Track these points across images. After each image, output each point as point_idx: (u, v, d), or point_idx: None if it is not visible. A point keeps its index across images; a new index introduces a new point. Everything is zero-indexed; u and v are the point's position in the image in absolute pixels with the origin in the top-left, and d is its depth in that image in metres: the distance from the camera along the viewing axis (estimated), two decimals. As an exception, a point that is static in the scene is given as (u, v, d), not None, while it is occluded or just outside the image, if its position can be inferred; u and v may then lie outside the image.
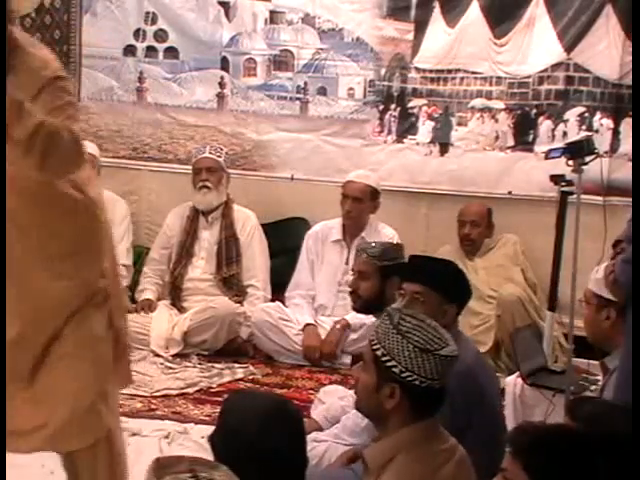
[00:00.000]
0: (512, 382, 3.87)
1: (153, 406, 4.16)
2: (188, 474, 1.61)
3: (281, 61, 5.68)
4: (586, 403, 2.19)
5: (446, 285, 2.95)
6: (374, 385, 2.17)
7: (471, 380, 2.78)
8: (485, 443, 2.64)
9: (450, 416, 2.61)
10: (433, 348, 2.12)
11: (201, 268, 5.19)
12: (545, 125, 5.36)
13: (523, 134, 5.41)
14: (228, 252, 5.18)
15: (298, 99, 5.66)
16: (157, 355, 4.79)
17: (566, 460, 1.83)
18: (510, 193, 5.42)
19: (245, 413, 1.99)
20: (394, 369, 2.12)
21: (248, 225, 5.27)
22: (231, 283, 5.15)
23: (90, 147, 5.39)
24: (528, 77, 5.34)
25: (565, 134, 5.30)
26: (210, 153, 5.21)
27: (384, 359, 2.14)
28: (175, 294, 5.17)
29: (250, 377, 4.62)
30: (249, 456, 1.92)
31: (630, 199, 4.42)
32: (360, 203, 5.03)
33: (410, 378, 2.11)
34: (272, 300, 5.15)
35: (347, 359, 4.82)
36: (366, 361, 2.21)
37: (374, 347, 2.17)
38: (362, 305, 3.65)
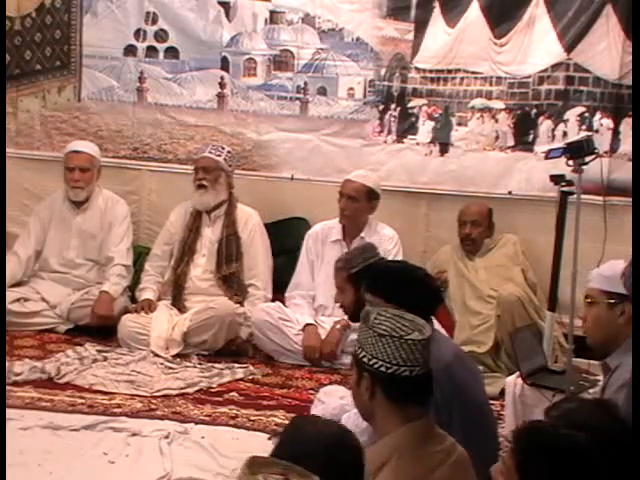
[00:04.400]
0: (512, 382, 3.87)
1: (153, 406, 4.15)
2: (281, 477, 1.61)
3: (281, 61, 5.68)
4: (565, 402, 2.16)
5: (383, 287, 2.94)
6: (356, 380, 2.24)
7: (449, 377, 2.78)
8: (472, 439, 2.64)
9: (433, 413, 2.62)
10: (398, 334, 2.16)
11: (202, 266, 5.19)
12: (545, 125, 5.37)
13: (523, 134, 5.41)
14: (228, 250, 5.18)
15: (298, 99, 5.66)
16: (157, 355, 4.78)
17: (560, 471, 1.81)
18: (510, 193, 5.43)
19: (314, 437, 1.93)
20: (364, 359, 2.19)
21: (250, 223, 5.27)
22: (231, 281, 5.15)
23: (90, 147, 5.43)
24: (528, 77, 5.35)
25: (565, 134, 5.30)
26: (210, 152, 5.21)
27: (357, 351, 2.22)
28: (177, 292, 5.17)
29: (250, 377, 4.62)
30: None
31: (630, 199, 4.47)
32: (354, 202, 5.02)
33: (376, 365, 2.16)
34: (272, 300, 5.14)
35: (347, 359, 4.80)
36: (352, 360, 2.30)
37: (355, 346, 2.26)
38: (351, 316, 3.67)
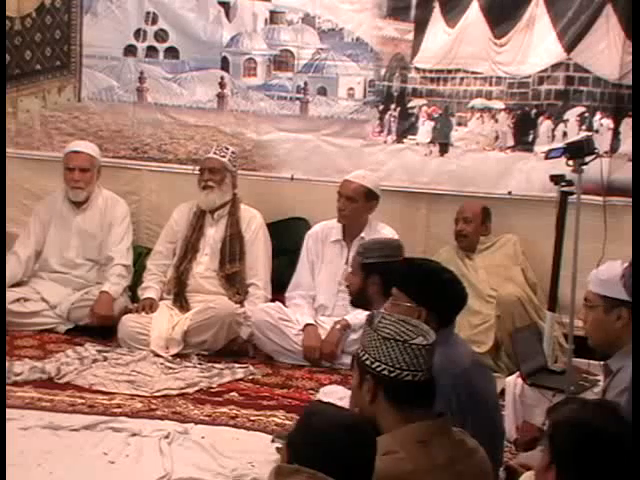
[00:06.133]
0: (512, 382, 3.87)
1: (153, 406, 4.15)
2: None
3: (281, 61, 5.68)
4: (567, 404, 2.15)
5: (411, 286, 2.93)
6: (357, 383, 2.23)
7: (465, 382, 2.78)
8: (481, 441, 2.64)
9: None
10: (402, 339, 2.15)
11: (204, 264, 5.21)
12: (545, 125, 5.37)
13: (523, 134, 5.41)
14: (232, 249, 5.20)
15: (298, 99, 5.66)
16: (157, 355, 4.78)
17: (588, 445, 1.80)
18: (510, 193, 5.43)
19: (331, 422, 1.99)
20: (367, 361, 2.18)
21: (253, 224, 5.29)
22: (233, 280, 5.16)
23: (90, 147, 5.43)
24: (528, 77, 5.35)
25: (565, 134, 5.30)
26: (215, 153, 5.24)
27: (360, 354, 2.22)
28: (180, 290, 5.17)
29: (250, 377, 4.62)
30: (326, 461, 1.90)
31: (630, 199, 4.47)
32: (352, 202, 5.02)
33: (379, 368, 2.15)
34: (272, 300, 5.15)
35: (347, 359, 4.80)
36: (354, 363, 2.29)
37: (358, 348, 2.26)
38: (351, 300, 3.74)
